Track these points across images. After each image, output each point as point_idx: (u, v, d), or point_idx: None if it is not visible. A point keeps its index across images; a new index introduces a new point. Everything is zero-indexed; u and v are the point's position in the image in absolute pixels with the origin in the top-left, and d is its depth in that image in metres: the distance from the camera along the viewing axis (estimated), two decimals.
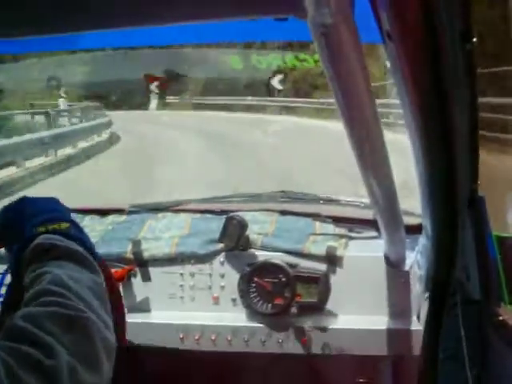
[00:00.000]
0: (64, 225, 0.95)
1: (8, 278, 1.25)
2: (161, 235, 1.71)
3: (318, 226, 1.72)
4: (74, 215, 1.85)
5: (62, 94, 13.51)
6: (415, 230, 1.47)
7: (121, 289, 1.39)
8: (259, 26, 1.23)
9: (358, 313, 1.57)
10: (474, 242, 1.26)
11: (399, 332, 1.53)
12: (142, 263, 1.64)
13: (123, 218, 1.86)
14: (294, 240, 1.63)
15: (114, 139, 12.60)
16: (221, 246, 1.62)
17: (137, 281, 1.63)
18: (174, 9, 0.77)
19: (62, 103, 13.81)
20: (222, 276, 1.63)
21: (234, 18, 0.89)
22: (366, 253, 1.60)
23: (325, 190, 2.32)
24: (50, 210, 1.00)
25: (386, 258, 1.54)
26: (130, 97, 15.79)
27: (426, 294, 1.40)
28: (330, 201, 1.92)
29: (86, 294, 0.81)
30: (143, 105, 15.75)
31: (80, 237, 0.96)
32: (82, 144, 11.34)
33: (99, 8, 0.74)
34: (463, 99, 0.93)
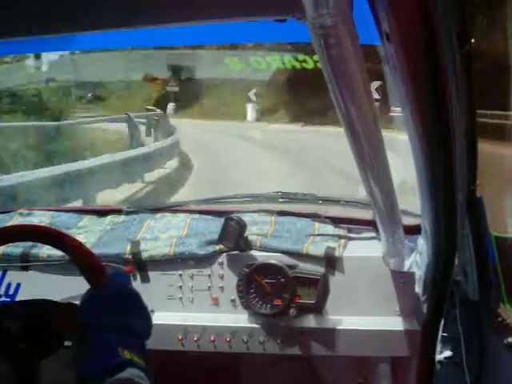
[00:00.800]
0: (141, 361, 1.00)
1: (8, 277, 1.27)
2: (160, 235, 1.71)
3: (317, 227, 1.72)
4: (72, 215, 1.87)
5: (252, 97, 9.87)
6: (414, 230, 1.47)
7: None
8: (258, 28, 1.23)
9: (356, 314, 1.57)
10: (472, 242, 1.26)
11: (398, 333, 1.53)
12: (140, 264, 1.63)
13: (122, 218, 1.86)
14: (293, 241, 1.63)
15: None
16: (220, 246, 1.62)
17: (136, 282, 1.63)
18: (174, 10, 0.77)
19: (251, 109, 10.50)
20: (221, 277, 1.63)
21: (234, 19, 0.90)
22: (364, 253, 1.60)
23: None
24: (139, 329, 1.07)
25: (385, 259, 1.54)
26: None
27: (425, 295, 1.40)
28: (328, 201, 1.92)
29: None
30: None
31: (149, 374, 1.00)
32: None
33: (100, 8, 0.74)
34: (462, 100, 0.93)
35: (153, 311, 1.63)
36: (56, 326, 1.04)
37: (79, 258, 1.14)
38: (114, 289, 1.09)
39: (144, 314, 1.13)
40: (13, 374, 0.99)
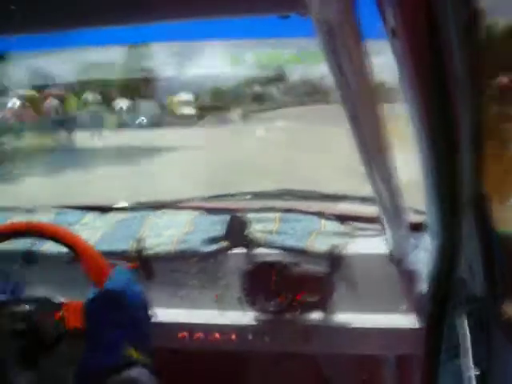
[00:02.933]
0: (146, 357, 1.03)
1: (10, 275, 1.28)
2: (163, 232, 1.71)
3: (322, 224, 1.71)
4: (75, 212, 1.87)
5: None
6: (419, 227, 1.46)
7: None
8: (262, 24, 1.23)
9: (361, 311, 1.57)
10: (478, 239, 1.25)
11: (403, 331, 1.52)
12: (144, 261, 1.63)
13: (125, 215, 1.86)
14: (298, 238, 1.63)
15: None
16: (224, 243, 1.62)
17: (139, 279, 1.63)
18: (176, 6, 0.77)
19: None
20: (226, 274, 1.63)
21: (237, 15, 0.89)
22: (369, 250, 1.59)
23: None
24: (143, 324, 1.09)
25: (390, 256, 1.54)
26: None
27: (430, 292, 1.39)
28: (333, 198, 1.92)
29: None
30: None
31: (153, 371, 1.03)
32: None
33: (100, 5, 0.74)
34: (468, 96, 0.92)
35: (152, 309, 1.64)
36: (64, 325, 1.06)
37: (83, 257, 1.15)
38: (116, 286, 1.10)
39: (146, 310, 1.14)
40: (16, 371, 1.00)
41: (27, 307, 1.10)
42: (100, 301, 1.07)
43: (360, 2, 0.75)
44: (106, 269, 1.16)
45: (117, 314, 1.05)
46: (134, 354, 0.99)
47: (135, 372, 0.96)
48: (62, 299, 1.15)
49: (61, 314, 1.10)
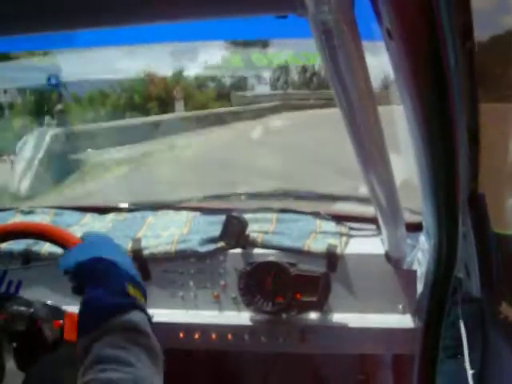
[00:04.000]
0: (142, 297, 1.00)
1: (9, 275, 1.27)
2: (161, 233, 1.71)
3: (319, 224, 1.71)
4: (74, 213, 1.87)
5: None
6: (416, 227, 1.47)
7: None
8: (260, 24, 1.23)
9: (358, 311, 1.57)
10: (474, 239, 1.26)
11: (400, 331, 1.53)
12: (142, 261, 1.63)
13: (123, 215, 1.86)
14: (295, 238, 1.63)
15: None
16: (221, 244, 1.62)
17: None
18: (174, 7, 0.77)
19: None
20: (223, 275, 1.63)
21: (235, 16, 0.89)
22: (366, 251, 1.60)
23: None
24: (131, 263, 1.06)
25: (387, 256, 1.54)
26: None
27: (427, 292, 1.40)
28: (330, 198, 1.92)
29: None
30: None
31: (150, 316, 1.01)
32: None
33: (98, 5, 0.74)
34: (464, 97, 0.93)
35: (149, 309, 1.63)
36: (61, 335, 1.04)
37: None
38: (93, 237, 1.08)
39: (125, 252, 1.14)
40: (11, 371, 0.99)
41: (30, 309, 1.08)
42: (89, 248, 1.02)
43: (357, 3, 0.76)
44: (75, 236, 1.11)
45: (109, 254, 1.01)
46: (133, 291, 0.96)
47: (136, 316, 0.94)
48: (65, 307, 1.13)
49: (61, 323, 1.08)
